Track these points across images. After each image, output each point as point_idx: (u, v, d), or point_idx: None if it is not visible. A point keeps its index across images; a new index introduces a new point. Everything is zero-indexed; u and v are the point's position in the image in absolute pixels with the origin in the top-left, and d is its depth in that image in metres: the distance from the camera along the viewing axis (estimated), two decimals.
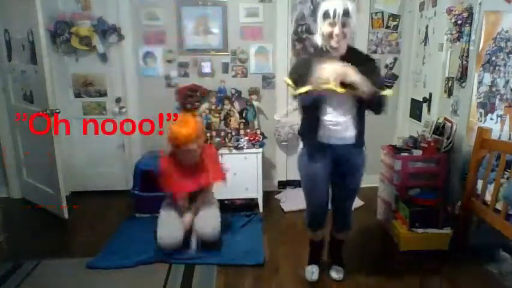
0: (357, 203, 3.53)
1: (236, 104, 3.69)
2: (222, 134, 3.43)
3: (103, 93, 3.76)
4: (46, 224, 3.26)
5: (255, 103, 3.72)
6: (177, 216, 2.74)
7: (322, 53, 2.05)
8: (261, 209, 3.49)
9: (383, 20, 3.72)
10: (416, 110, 3.58)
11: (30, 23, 3.01)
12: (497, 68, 2.61)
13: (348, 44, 2.05)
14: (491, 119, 2.68)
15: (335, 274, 2.44)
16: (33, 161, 3.52)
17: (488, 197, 2.47)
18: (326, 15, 1.93)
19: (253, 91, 3.75)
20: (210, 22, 3.65)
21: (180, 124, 2.55)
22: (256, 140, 3.40)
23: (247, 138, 3.40)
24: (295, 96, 2.09)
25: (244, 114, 3.68)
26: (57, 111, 3.13)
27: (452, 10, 2.78)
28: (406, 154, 2.91)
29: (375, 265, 2.61)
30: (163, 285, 2.38)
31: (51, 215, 3.38)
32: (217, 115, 3.61)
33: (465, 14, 2.66)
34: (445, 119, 2.99)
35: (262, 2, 3.62)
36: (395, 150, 2.98)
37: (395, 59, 3.81)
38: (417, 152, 2.91)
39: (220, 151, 3.31)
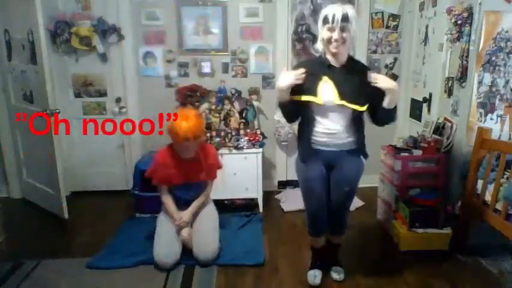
0: (357, 203, 3.54)
1: (236, 104, 3.69)
2: (222, 134, 3.43)
3: (103, 93, 3.76)
4: (46, 224, 3.26)
5: (255, 103, 3.72)
6: (174, 231, 2.61)
7: (323, 60, 2.08)
8: (261, 209, 3.49)
9: (383, 20, 3.72)
10: (416, 110, 3.58)
11: (30, 23, 3.01)
12: (497, 68, 2.61)
13: (349, 54, 2.08)
14: (491, 119, 2.68)
15: (336, 275, 2.44)
16: (33, 161, 3.52)
17: (488, 197, 2.47)
18: (325, 20, 1.96)
19: (253, 91, 3.76)
20: (210, 22, 3.65)
21: (181, 118, 2.47)
22: (256, 140, 3.40)
23: (247, 138, 3.40)
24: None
25: (244, 114, 3.68)
26: (57, 111, 3.12)
27: (452, 10, 2.78)
28: (406, 154, 2.91)
29: (375, 265, 2.61)
30: (163, 285, 2.38)
31: (51, 215, 3.38)
32: (217, 115, 3.61)
33: (465, 14, 2.66)
34: (445, 119, 2.99)
35: (262, 2, 3.62)
36: (395, 150, 2.98)
37: (395, 59, 3.81)
38: (417, 152, 2.91)
39: (220, 151, 3.31)
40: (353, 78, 2.03)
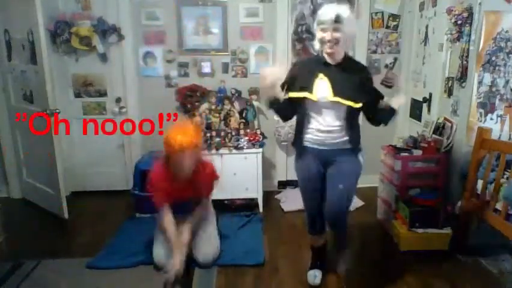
0: (357, 203, 3.54)
1: (236, 104, 3.69)
2: (222, 134, 3.43)
3: (103, 93, 3.76)
4: (46, 224, 3.26)
5: (255, 103, 3.72)
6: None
7: (320, 58, 2.10)
8: (261, 209, 3.49)
9: (383, 20, 3.72)
10: (416, 110, 3.58)
11: (30, 23, 3.01)
12: (497, 68, 2.61)
13: (346, 53, 2.10)
14: (491, 119, 2.68)
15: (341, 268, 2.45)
16: (33, 161, 3.52)
17: (488, 197, 2.47)
18: (319, 21, 2.00)
19: (253, 91, 3.76)
20: (210, 22, 3.65)
21: (177, 130, 2.28)
22: (256, 140, 3.40)
23: (247, 138, 3.40)
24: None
25: (244, 114, 3.68)
26: (57, 111, 3.12)
27: (452, 10, 2.78)
28: (406, 154, 2.91)
29: (375, 265, 2.61)
30: (163, 285, 2.37)
31: (51, 215, 3.38)
32: (217, 115, 3.62)
33: (465, 14, 2.66)
34: (445, 119, 2.99)
35: (262, 2, 3.62)
36: (395, 150, 2.98)
37: (395, 59, 3.81)
38: (417, 152, 2.91)
39: (220, 151, 3.32)
40: (349, 76, 2.05)
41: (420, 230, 2.71)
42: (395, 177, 2.92)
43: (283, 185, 4.00)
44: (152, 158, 3.48)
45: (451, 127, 2.89)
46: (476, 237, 2.69)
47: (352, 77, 2.05)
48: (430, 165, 2.91)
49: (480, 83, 2.65)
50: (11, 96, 3.55)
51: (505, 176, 2.39)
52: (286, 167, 3.97)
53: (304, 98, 2.07)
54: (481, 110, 2.69)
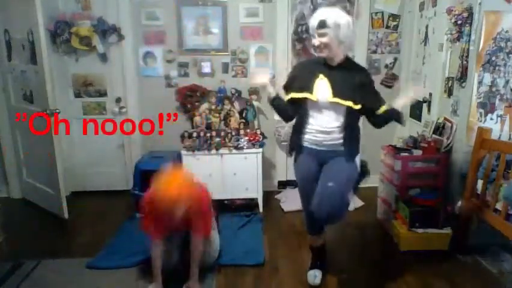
0: (357, 203, 3.54)
1: (236, 104, 3.69)
2: (222, 134, 3.43)
3: (103, 93, 3.76)
4: (46, 224, 3.26)
5: (255, 103, 3.72)
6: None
7: (320, 59, 2.11)
8: (261, 209, 3.49)
9: (383, 20, 3.72)
10: (416, 110, 3.58)
11: (30, 23, 3.02)
12: (497, 68, 2.61)
13: (346, 55, 2.11)
14: (491, 119, 2.67)
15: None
16: (33, 161, 3.52)
17: (488, 197, 2.47)
18: (310, 27, 2.05)
19: (253, 91, 3.75)
20: (210, 22, 3.65)
21: (166, 187, 2.05)
22: (256, 140, 3.40)
23: (247, 138, 3.40)
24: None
25: (244, 114, 3.68)
26: (57, 111, 3.13)
27: (452, 10, 2.78)
28: (406, 154, 2.91)
29: (375, 265, 2.61)
30: (163, 285, 2.37)
31: (51, 215, 3.38)
32: (217, 115, 3.62)
33: (465, 14, 2.66)
34: (445, 119, 2.99)
35: (262, 2, 3.62)
36: (395, 150, 2.98)
37: (395, 59, 3.81)
38: (417, 152, 2.91)
39: (220, 151, 3.32)
40: (349, 77, 2.05)
41: (420, 230, 2.71)
42: (395, 177, 2.92)
43: (283, 185, 4.00)
44: (152, 158, 3.51)
45: (451, 127, 2.89)
46: (476, 237, 2.69)
47: (352, 78, 2.05)
48: (430, 165, 2.91)
49: (480, 83, 2.65)
50: (11, 96, 3.55)
51: (505, 176, 2.39)
52: (286, 167, 3.96)
53: (305, 98, 2.09)
54: (481, 110, 2.69)
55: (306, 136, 2.16)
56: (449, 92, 2.96)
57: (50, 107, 3.08)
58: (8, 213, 3.39)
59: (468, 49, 2.69)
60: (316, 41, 2.00)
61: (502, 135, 2.67)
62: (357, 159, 2.19)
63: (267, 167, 3.87)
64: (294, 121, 2.28)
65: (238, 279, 2.46)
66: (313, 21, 1.99)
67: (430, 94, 3.28)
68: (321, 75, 2.07)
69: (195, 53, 3.70)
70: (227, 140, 3.39)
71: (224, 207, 3.40)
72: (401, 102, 2.15)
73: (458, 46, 2.81)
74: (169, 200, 2.03)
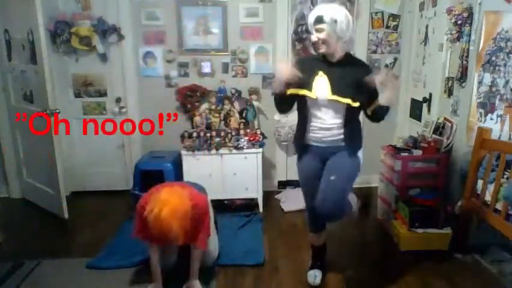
0: (357, 203, 3.53)
1: (236, 104, 3.69)
2: (222, 134, 3.43)
3: (103, 93, 3.76)
4: (46, 224, 3.26)
5: (255, 103, 3.72)
6: None
7: (320, 56, 2.10)
8: (261, 209, 3.48)
9: (383, 20, 3.72)
10: (416, 110, 3.58)
11: (30, 23, 3.01)
12: (497, 68, 2.61)
13: (347, 52, 2.11)
14: (491, 119, 2.67)
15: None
16: (33, 161, 3.52)
17: (488, 197, 2.47)
18: (308, 23, 2.05)
19: (253, 91, 3.75)
20: (210, 22, 3.65)
21: (156, 215, 1.91)
22: (256, 140, 3.40)
23: (247, 138, 3.40)
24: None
25: (244, 114, 3.68)
26: (57, 111, 3.13)
27: (452, 10, 2.78)
28: (406, 154, 2.91)
29: (375, 265, 2.61)
30: (163, 285, 2.37)
31: (51, 215, 3.38)
32: (217, 115, 3.61)
33: (465, 14, 2.66)
34: (445, 119, 2.99)
35: (262, 2, 3.62)
36: (395, 150, 2.98)
37: (395, 59, 3.81)
38: (417, 152, 2.91)
39: (220, 151, 3.32)
40: (348, 73, 2.04)
41: (420, 230, 2.71)
42: (395, 177, 2.92)
43: (283, 185, 4.00)
44: (152, 158, 3.51)
45: (451, 127, 2.89)
46: (476, 237, 2.69)
47: (352, 75, 2.04)
48: (430, 165, 2.90)
49: (480, 83, 2.65)
50: (11, 96, 3.55)
51: (505, 176, 2.39)
52: (286, 167, 3.97)
53: (304, 96, 2.08)
54: (481, 110, 2.69)
55: (308, 134, 2.16)
56: (449, 92, 2.96)
57: (50, 107, 3.08)
58: (8, 213, 3.40)
59: (468, 49, 2.69)
60: (313, 37, 2.00)
61: (502, 135, 2.67)
62: (360, 154, 2.19)
63: (267, 167, 3.87)
64: (295, 121, 2.27)
65: (238, 279, 2.46)
66: (310, 17, 2.00)
67: (430, 94, 3.28)
68: (320, 72, 2.07)
69: (195, 53, 3.70)
70: (227, 140, 3.39)
71: (224, 207, 3.40)
72: (383, 101, 2.04)
73: (458, 46, 2.81)
74: (160, 230, 1.95)
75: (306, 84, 2.07)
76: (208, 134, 3.40)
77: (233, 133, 3.44)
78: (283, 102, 2.18)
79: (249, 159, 3.37)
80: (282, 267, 2.59)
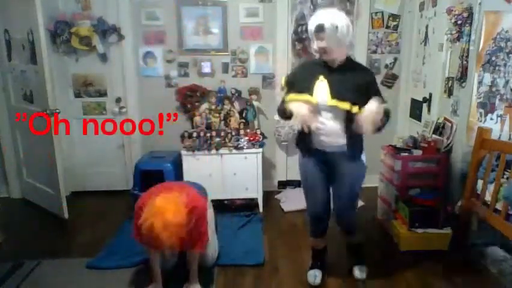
0: (358, 203, 3.54)
1: (236, 104, 3.69)
2: (222, 134, 3.43)
3: (103, 93, 3.76)
4: (46, 224, 3.26)
5: (255, 103, 3.72)
6: None
7: (321, 60, 2.10)
8: (261, 209, 3.48)
9: (383, 20, 3.72)
10: (416, 110, 3.58)
11: (30, 23, 3.01)
12: (497, 68, 2.61)
13: (348, 56, 2.11)
14: (491, 119, 2.68)
15: (358, 274, 2.45)
16: (33, 161, 3.52)
17: (488, 197, 2.47)
18: (308, 30, 2.04)
19: (253, 91, 3.75)
20: (210, 22, 3.65)
21: (150, 224, 1.89)
22: (256, 140, 3.40)
23: (247, 138, 3.40)
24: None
25: (244, 114, 3.68)
26: (57, 111, 3.13)
27: (452, 10, 2.78)
28: (406, 154, 2.91)
29: (375, 265, 2.61)
30: (163, 285, 2.37)
31: (51, 215, 3.38)
32: (217, 115, 3.61)
33: (465, 14, 2.66)
34: (445, 119, 2.99)
35: (262, 2, 3.62)
36: (395, 150, 2.98)
37: (395, 59, 3.81)
38: (417, 152, 2.91)
39: (220, 151, 3.32)
40: (349, 78, 2.04)
41: (420, 230, 2.71)
42: (395, 177, 2.92)
43: (283, 185, 4.00)
44: (152, 158, 3.50)
45: (451, 127, 2.89)
46: (476, 237, 2.69)
47: (352, 80, 2.04)
48: (430, 165, 2.90)
49: (480, 83, 2.65)
50: (11, 96, 3.55)
51: (505, 176, 2.39)
52: (286, 167, 3.96)
53: (305, 101, 2.07)
54: (481, 110, 2.69)
55: (311, 138, 2.15)
56: (449, 92, 2.96)
57: (50, 107, 3.08)
58: (8, 213, 3.39)
59: (468, 49, 2.69)
60: (315, 45, 2.00)
61: (502, 135, 2.68)
62: (363, 157, 2.21)
63: (267, 167, 3.87)
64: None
65: (238, 279, 2.46)
66: (310, 26, 1.98)
67: (430, 94, 3.28)
68: (321, 77, 2.06)
69: (195, 53, 3.70)
70: (227, 140, 3.39)
71: (224, 207, 3.40)
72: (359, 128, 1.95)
73: (458, 46, 2.81)
74: (154, 242, 1.95)
75: (307, 89, 2.07)
76: (208, 134, 3.40)
77: (233, 133, 3.44)
78: (284, 110, 2.14)
79: (249, 159, 3.36)
80: (282, 267, 2.59)
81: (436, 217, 2.70)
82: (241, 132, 3.47)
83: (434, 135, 3.04)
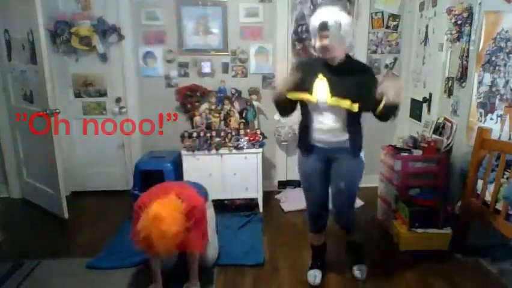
0: (357, 203, 3.53)
1: (236, 104, 3.69)
2: (222, 134, 3.43)
3: (103, 93, 3.76)
4: (46, 224, 3.26)
5: (255, 103, 3.72)
6: None
7: (321, 58, 2.10)
8: (261, 209, 3.48)
9: (383, 20, 3.72)
10: (416, 110, 3.58)
11: (30, 23, 3.01)
12: (497, 68, 2.61)
13: (347, 54, 2.11)
14: (491, 119, 2.67)
15: (358, 274, 2.45)
16: (33, 161, 3.52)
17: (488, 197, 2.47)
18: (310, 27, 2.05)
19: (253, 91, 3.75)
20: (210, 22, 3.65)
21: (155, 231, 1.90)
22: (256, 140, 3.40)
23: (247, 138, 3.40)
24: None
25: (244, 114, 3.68)
26: (57, 111, 3.13)
27: (452, 10, 2.78)
28: (406, 154, 2.91)
29: (375, 265, 2.61)
30: (163, 285, 2.37)
31: (51, 215, 3.38)
32: (217, 115, 3.61)
33: (465, 14, 2.66)
34: (445, 119, 2.99)
35: (262, 2, 3.62)
36: (395, 150, 2.98)
37: (395, 59, 3.81)
38: (417, 152, 2.91)
39: (220, 151, 3.32)
40: (349, 76, 2.04)
41: (420, 230, 2.71)
42: (395, 177, 2.92)
43: (283, 185, 4.00)
44: (152, 158, 3.50)
45: (451, 127, 2.89)
46: (476, 237, 2.69)
47: (352, 78, 2.04)
48: (430, 165, 2.90)
49: (480, 83, 2.65)
50: (11, 96, 3.55)
51: (505, 176, 2.39)
52: (286, 167, 3.96)
53: (305, 99, 2.08)
54: (481, 110, 2.69)
55: (312, 136, 2.17)
56: (449, 92, 2.96)
57: (50, 107, 3.08)
58: (8, 213, 3.39)
59: (468, 49, 2.69)
60: (318, 43, 1.99)
61: (502, 135, 2.68)
62: (362, 154, 2.21)
63: (267, 167, 3.87)
64: (294, 121, 2.28)
65: (238, 279, 2.46)
66: (314, 23, 1.98)
67: (430, 94, 3.28)
68: (320, 75, 2.07)
69: (195, 53, 3.70)
70: (227, 140, 3.39)
71: (224, 207, 3.40)
72: (388, 100, 1.97)
73: (458, 46, 2.81)
74: (152, 250, 1.98)
75: (307, 87, 2.07)
76: (208, 134, 3.40)
77: (233, 133, 3.44)
78: (283, 105, 2.18)
79: (249, 159, 3.36)
80: (282, 267, 2.59)
81: (436, 217, 2.70)
82: (241, 132, 3.47)
83: (434, 135, 3.04)
